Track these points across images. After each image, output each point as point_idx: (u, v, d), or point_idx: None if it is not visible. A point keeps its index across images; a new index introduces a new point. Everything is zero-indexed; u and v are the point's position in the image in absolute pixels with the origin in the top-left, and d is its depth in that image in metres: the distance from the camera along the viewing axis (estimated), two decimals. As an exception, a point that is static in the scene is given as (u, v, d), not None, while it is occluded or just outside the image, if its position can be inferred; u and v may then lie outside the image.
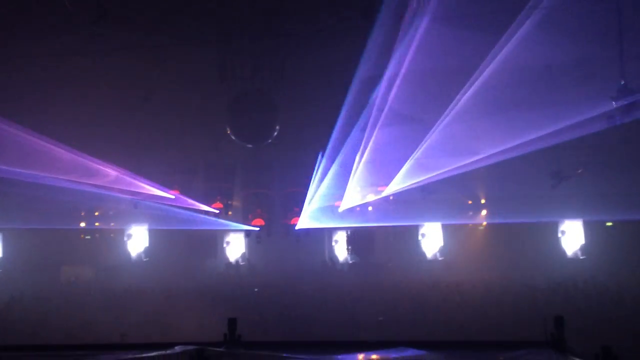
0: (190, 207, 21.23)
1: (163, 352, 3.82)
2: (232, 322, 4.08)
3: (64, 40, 13.55)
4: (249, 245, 23.27)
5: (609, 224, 21.00)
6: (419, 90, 13.91)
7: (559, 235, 21.52)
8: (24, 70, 14.29)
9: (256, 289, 17.28)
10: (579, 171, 18.54)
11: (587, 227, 21.22)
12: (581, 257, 20.93)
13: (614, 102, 11.06)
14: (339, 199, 21.07)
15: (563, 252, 21.29)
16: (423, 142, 16.57)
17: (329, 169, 19.39)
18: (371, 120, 16.29)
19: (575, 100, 13.03)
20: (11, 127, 15.07)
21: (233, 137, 16.31)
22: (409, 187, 19.46)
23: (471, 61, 12.93)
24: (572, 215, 21.17)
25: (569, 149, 16.92)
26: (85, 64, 14.62)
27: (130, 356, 4.09)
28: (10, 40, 13.49)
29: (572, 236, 21.37)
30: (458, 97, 14.15)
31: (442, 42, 12.19)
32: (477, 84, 13.40)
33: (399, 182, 19.31)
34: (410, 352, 4.07)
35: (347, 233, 23.20)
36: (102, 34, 13.14)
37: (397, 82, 14.04)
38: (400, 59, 13.32)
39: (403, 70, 13.56)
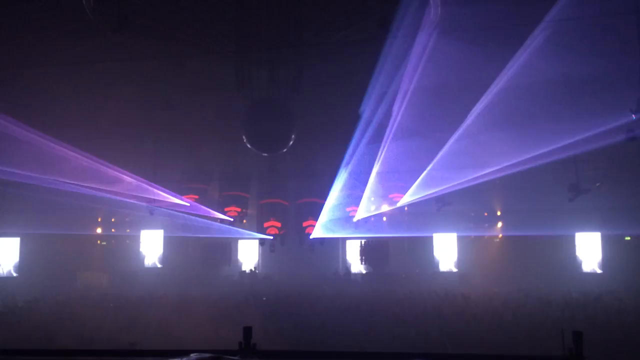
0: (206, 214, 21.36)
1: (179, 360, 3.82)
2: (247, 331, 4.06)
3: (85, 48, 13.75)
4: (263, 254, 23.31)
5: (628, 237, 20.73)
6: (435, 101, 13.89)
7: (577, 248, 21.29)
8: (45, 78, 14.52)
9: (264, 298, 17.26)
10: (598, 184, 18.34)
11: (606, 240, 20.95)
12: (599, 271, 20.67)
13: (633, 115, 10.92)
14: (354, 209, 21.06)
15: (581, 266, 21.04)
16: (439, 153, 16.52)
17: (344, 180, 19.39)
18: (388, 131, 16.28)
19: (592, 114, 12.93)
20: (31, 134, 15.32)
21: (249, 146, 16.38)
22: (424, 198, 19.40)
23: (486, 74, 12.92)
24: (590, 228, 20.94)
25: (588, 162, 16.76)
26: (105, 73, 14.82)
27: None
28: (31, 48, 13.72)
29: (590, 249, 21.13)
30: (474, 109, 14.12)
31: (457, 56, 12.18)
32: (493, 96, 13.37)
33: (414, 193, 19.26)
34: (425, 364, 4.03)
35: (361, 243, 23.14)
36: (123, 42, 13.31)
37: (414, 93, 14.05)
38: (417, 70, 13.33)
39: (420, 82, 13.56)
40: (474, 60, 12.22)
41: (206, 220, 21.74)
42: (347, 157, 18.24)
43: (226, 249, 23.40)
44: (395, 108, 15.14)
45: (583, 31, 10.85)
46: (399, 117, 15.43)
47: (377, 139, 17.09)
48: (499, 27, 11.26)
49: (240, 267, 23.74)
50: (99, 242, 23.70)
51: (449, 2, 11.51)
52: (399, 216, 21.51)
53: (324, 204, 20.52)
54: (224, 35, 14.11)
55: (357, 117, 16.02)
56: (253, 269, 23.66)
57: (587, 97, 12.59)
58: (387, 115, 15.70)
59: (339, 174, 19.24)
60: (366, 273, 22.99)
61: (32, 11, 12.41)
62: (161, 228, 23.12)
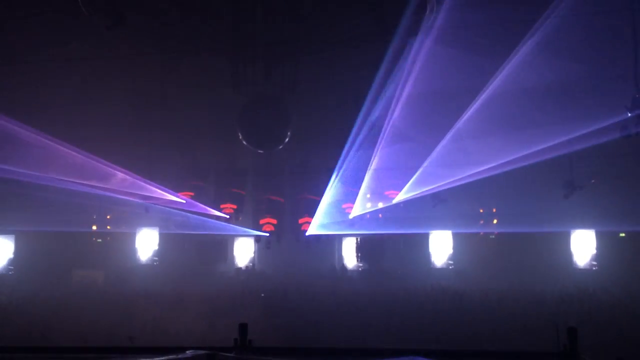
0: (201, 211, 21.34)
1: (174, 357, 3.83)
2: (242, 327, 4.08)
3: (80, 45, 13.73)
4: (259, 251, 23.29)
5: (622, 234, 20.79)
6: (433, 98, 13.90)
7: (571, 245, 21.33)
8: (40, 74, 14.47)
9: (263, 294, 17.27)
10: (592, 181, 18.40)
11: (600, 237, 21.01)
12: (594, 268, 20.73)
13: (628, 112, 10.98)
14: (350, 206, 21.08)
15: (575, 263, 21.09)
16: (435, 150, 16.53)
17: (340, 177, 19.40)
18: (384, 128, 16.29)
19: (587, 111, 12.99)
20: (26, 130, 15.26)
21: (245, 143, 16.38)
22: (419, 195, 19.43)
23: (483, 73, 12.97)
24: (585, 225, 20.99)
25: (582, 158, 16.81)
26: (101, 69, 14.78)
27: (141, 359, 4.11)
28: (26, 45, 13.67)
29: (584, 246, 21.18)
30: (472, 106, 14.15)
31: (455, 55, 12.22)
32: (488, 96, 13.42)
33: (410, 190, 19.28)
34: (420, 360, 4.04)
35: (357, 240, 23.15)
36: (117, 39, 13.28)
37: (411, 90, 14.06)
38: (414, 68, 13.34)
39: (417, 79, 13.57)
40: (471, 60, 12.25)
41: (202, 218, 21.72)
42: (343, 154, 18.25)
43: (222, 246, 23.37)
44: (391, 106, 15.14)
45: (578, 30, 10.89)
46: (395, 115, 15.44)
47: (373, 136, 17.10)
48: (495, 29, 11.30)
49: (236, 264, 23.70)
50: (94, 239, 23.61)
51: (446, 5, 11.53)
52: (394, 213, 21.49)
53: (320, 200, 20.53)
54: (220, 32, 14.10)
55: (354, 113, 16.02)
56: (249, 266, 23.64)
57: (582, 94, 12.62)
58: (384, 112, 15.71)
59: (335, 171, 19.25)
60: (362, 270, 23.01)
61: (26, 7, 12.36)
62: (157, 225, 23.06)
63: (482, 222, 22.20)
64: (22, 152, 15.83)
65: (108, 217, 23.20)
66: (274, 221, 21.55)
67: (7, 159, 15.67)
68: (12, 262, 22.00)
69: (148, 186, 19.71)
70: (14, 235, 22.24)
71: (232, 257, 23.54)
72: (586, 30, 10.87)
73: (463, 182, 17.99)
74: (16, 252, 22.09)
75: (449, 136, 15.68)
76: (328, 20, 13.62)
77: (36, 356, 4.66)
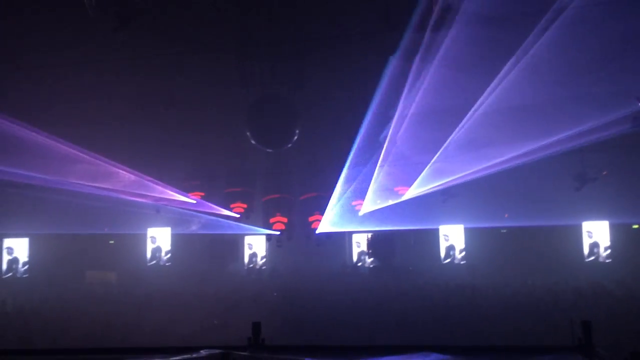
0: (212, 211, 21.41)
1: (189, 356, 3.83)
2: (256, 326, 4.08)
3: (86, 48, 13.77)
4: (270, 249, 23.34)
5: (635, 226, 20.60)
6: (445, 90, 13.82)
7: (584, 238, 21.16)
8: (48, 78, 14.56)
9: (275, 293, 17.29)
10: (604, 173, 18.24)
11: (613, 229, 20.83)
12: (607, 261, 20.56)
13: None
14: (360, 203, 21.04)
15: (588, 255, 20.92)
16: (447, 143, 16.44)
17: (350, 173, 19.38)
18: (393, 123, 16.22)
19: (599, 102, 12.91)
20: (37, 135, 15.37)
21: (253, 142, 16.40)
22: (430, 191, 19.35)
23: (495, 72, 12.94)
24: (597, 217, 20.81)
25: (594, 150, 16.67)
26: (108, 72, 14.84)
27: (155, 359, 4.11)
28: (33, 49, 13.76)
29: (597, 239, 21.00)
30: (484, 95, 14.06)
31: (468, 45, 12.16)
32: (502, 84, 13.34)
33: (420, 186, 19.21)
34: (434, 357, 4.00)
35: (368, 237, 23.10)
36: (124, 41, 13.31)
37: (421, 85, 13.99)
38: (422, 66, 13.28)
39: (427, 74, 13.51)
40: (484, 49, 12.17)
41: (212, 217, 21.80)
42: (352, 150, 18.22)
43: (233, 246, 23.43)
44: (404, 98, 15.04)
45: (591, 19, 10.80)
46: (408, 108, 15.35)
47: (382, 132, 17.06)
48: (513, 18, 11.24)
49: (247, 263, 23.76)
50: (106, 240, 23.73)
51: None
52: (405, 208, 21.40)
53: (329, 198, 20.52)
54: (226, 31, 14.11)
55: (363, 109, 15.96)
56: (260, 265, 23.69)
57: (593, 85, 12.52)
58: (396, 105, 15.62)
59: (344, 168, 19.22)
60: (373, 266, 22.98)
61: (33, 9, 12.44)
62: (168, 226, 23.19)
63: (493, 216, 22.04)
64: (32, 156, 15.95)
65: (119, 218, 23.30)
66: (285, 219, 21.56)
67: (19, 163, 15.81)
68: (26, 264, 22.20)
69: (158, 187, 19.80)
70: (27, 238, 22.45)
71: (244, 256, 23.61)
72: (599, 20, 10.78)
73: (473, 176, 17.90)
74: (30, 255, 22.28)
75: (460, 132, 15.60)
76: (335, 16, 13.58)
77: (49, 358, 4.68)
